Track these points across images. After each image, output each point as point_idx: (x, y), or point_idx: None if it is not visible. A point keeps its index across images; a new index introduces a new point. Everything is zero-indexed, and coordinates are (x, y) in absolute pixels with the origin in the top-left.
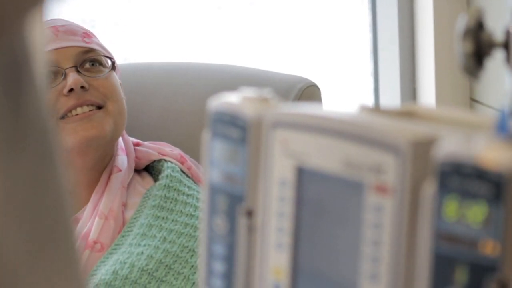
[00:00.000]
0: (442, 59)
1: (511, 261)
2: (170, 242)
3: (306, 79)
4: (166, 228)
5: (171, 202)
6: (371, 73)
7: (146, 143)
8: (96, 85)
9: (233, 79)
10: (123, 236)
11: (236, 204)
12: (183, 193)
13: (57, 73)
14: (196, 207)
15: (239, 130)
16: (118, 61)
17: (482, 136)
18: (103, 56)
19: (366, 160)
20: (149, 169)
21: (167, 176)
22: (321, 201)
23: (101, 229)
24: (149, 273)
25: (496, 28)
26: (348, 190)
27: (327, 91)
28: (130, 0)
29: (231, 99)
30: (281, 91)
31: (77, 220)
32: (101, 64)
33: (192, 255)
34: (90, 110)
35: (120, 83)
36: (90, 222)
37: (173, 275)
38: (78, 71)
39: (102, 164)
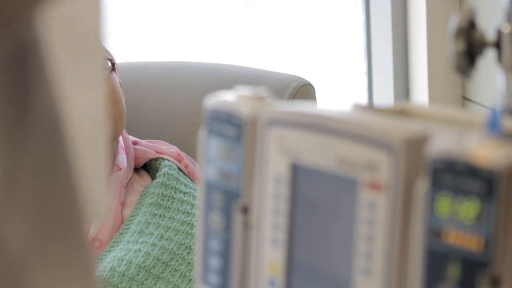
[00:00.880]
0: (435, 58)
1: (502, 257)
2: (167, 239)
3: (301, 78)
4: (163, 226)
5: (168, 200)
6: (365, 72)
7: (143, 141)
8: None
9: (229, 78)
10: (121, 234)
11: (232, 200)
12: (180, 191)
13: None
14: (193, 205)
15: (235, 128)
16: (116, 61)
17: (474, 133)
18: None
19: (360, 157)
20: (147, 167)
21: (164, 174)
22: (316, 198)
23: (100, 227)
24: (147, 270)
25: (488, 28)
26: (342, 187)
27: (321, 90)
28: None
29: (227, 97)
30: (276, 89)
31: None
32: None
33: (189, 252)
34: None
35: (120, 83)
36: None
37: (170, 272)
38: None
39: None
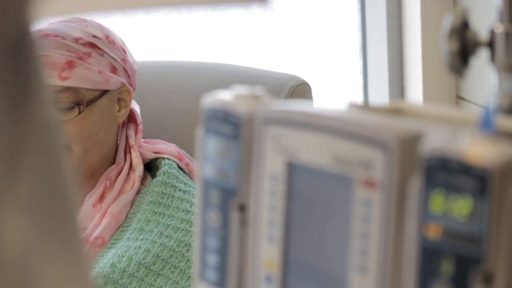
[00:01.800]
0: (429, 57)
1: (495, 253)
2: (166, 236)
3: (297, 77)
4: (163, 223)
5: (168, 198)
6: (360, 71)
7: (142, 142)
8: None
9: (227, 77)
10: (121, 231)
11: (229, 198)
12: (180, 189)
13: None
14: (192, 203)
15: (232, 127)
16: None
17: (467, 132)
18: (82, 89)
19: (355, 155)
20: (147, 165)
21: (164, 173)
22: (311, 195)
23: (104, 226)
24: (146, 266)
25: (481, 28)
26: (338, 184)
27: (317, 89)
28: None
29: (224, 96)
30: (273, 88)
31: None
32: (72, 106)
33: (188, 250)
34: None
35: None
36: (96, 221)
37: (170, 268)
38: None
39: (100, 171)
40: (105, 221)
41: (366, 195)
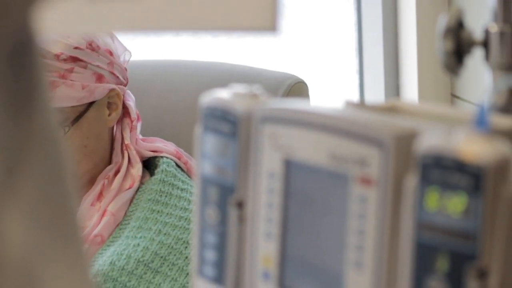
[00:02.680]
0: (425, 57)
1: (490, 250)
2: (165, 234)
3: (294, 76)
4: (161, 221)
5: (166, 196)
6: (357, 70)
7: (140, 140)
8: None
9: (224, 76)
10: (120, 229)
11: (227, 195)
12: (178, 188)
13: None
14: (190, 201)
15: (230, 125)
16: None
17: (462, 130)
18: (66, 107)
19: (351, 153)
20: (145, 163)
21: (162, 171)
22: (308, 192)
23: (103, 224)
24: (145, 264)
25: (475, 27)
26: (334, 182)
27: (314, 88)
28: None
29: (222, 95)
30: (270, 87)
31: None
32: None
33: (186, 247)
34: None
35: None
36: (96, 219)
37: (168, 266)
38: None
39: (96, 174)
40: (104, 219)
41: (362, 192)
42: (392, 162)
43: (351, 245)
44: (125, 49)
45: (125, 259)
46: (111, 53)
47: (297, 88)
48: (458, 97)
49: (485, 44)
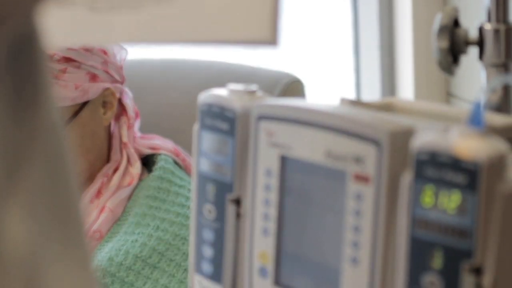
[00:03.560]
0: (420, 55)
1: (484, 246)
2: (162, 230)
3: (291, 74)
4: (159, 217)
5: (164, 193)
6: (353, 69)
7: (138, 137)
8: None
9: (222, 74)
10: (118, 225)
11: (224, 192)
12: (175, 184)
13: None
14: (187, 198)
15: (227, 123)
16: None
17: (457, 128)
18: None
19: (347, 150)
20: (144, 160)
21: (160, 168)
22: (305, 189)
23: (102, 220)
24: (143, 259)
25: (470, 26)
26: (330, 179)
27: (311, 86)
28: None
29: (219, 93)
30: (266, 86)
31: None
32: None
33: (183, 243)
34: None
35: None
36: (94, 216)
37: (166, 261)
38: None
39: (95, 172)
40: (103, 215)
41: (358, 189)
42: (388, 160)
43: (347, 241)
44: (121, 48)
45: (123, 254)
46: (105, 52)
47: (293, 87)
48: (453, 95)
49: (480, 43)
